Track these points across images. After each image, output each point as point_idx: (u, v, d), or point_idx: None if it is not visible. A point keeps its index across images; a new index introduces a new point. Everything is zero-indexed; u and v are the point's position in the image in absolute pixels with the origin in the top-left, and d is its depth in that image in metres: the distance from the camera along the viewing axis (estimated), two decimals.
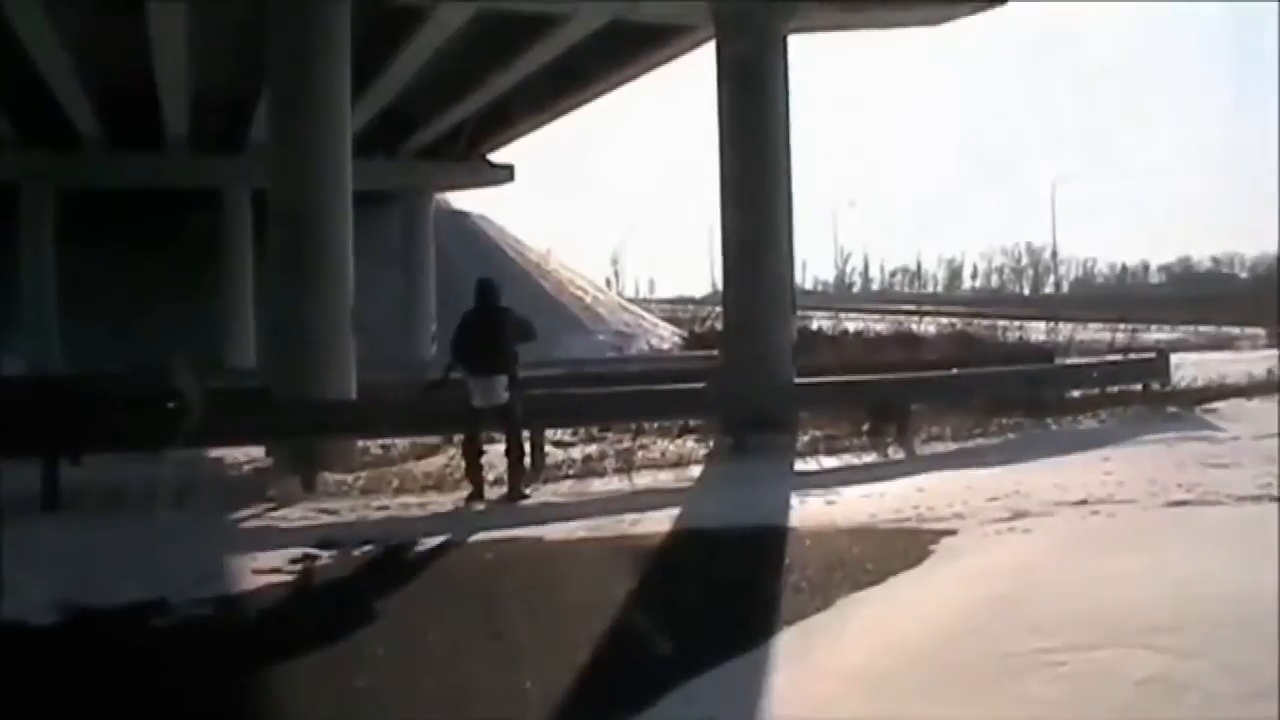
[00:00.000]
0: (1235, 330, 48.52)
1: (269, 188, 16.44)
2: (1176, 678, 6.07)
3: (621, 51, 21.62)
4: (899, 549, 9.64)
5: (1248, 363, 26.96)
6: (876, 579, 8.65)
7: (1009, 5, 17.55)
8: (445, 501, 12.75)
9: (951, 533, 10.22)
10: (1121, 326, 41.61)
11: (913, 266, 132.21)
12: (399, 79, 23.73)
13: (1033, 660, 6.46)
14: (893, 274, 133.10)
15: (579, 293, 45.04)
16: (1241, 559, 8.80)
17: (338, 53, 15.58)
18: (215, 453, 15.22)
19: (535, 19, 19.60)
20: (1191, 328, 50.47)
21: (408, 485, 13.59)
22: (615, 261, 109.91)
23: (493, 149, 34.79)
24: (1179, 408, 19.33)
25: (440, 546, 10.53)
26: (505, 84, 24.72)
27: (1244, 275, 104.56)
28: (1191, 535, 9.86)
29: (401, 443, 15.76)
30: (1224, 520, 10.50)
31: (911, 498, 12.01)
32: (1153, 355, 23.09)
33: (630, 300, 62.05)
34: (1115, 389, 20.55)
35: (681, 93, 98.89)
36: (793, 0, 16.91)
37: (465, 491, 12.84)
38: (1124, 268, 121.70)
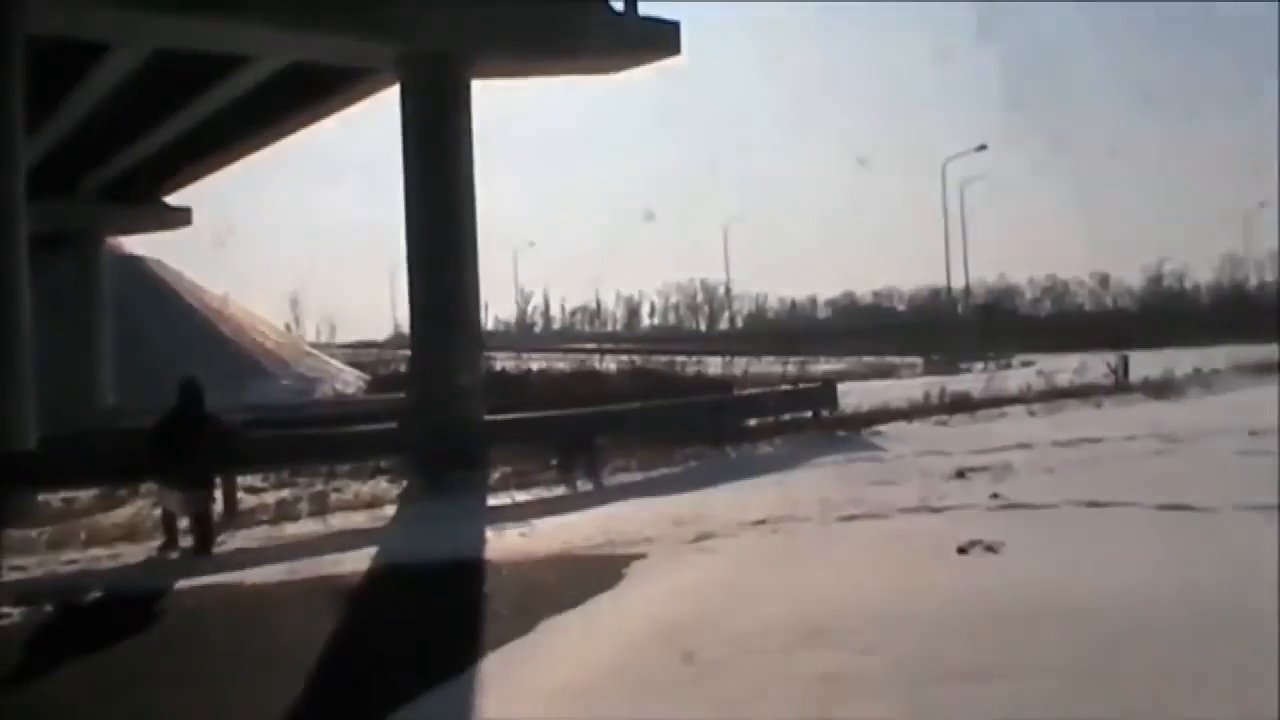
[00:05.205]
0: (896, 359, 51.38)
1: None
2: (854, 671, 6.66)
3: (306, 93, 21.41)
4: (594, 574, 10.01)
5: (907, 388, 28.80)
6: (574, 602, 8.97)
7: (685, 54, 18.31)
8: (138, 552, 12.36)
9: (642, 556, 10.67)
10: (792, 358, 43.56)
11: (593, 305, 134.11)
12: (72, 117, 22.76)
13: (725, 665, 6.94)
14: (573, 313, 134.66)
15: (260, 337, 44.09)
16: (905, 563, 9.66)
17: (6, 83, 14.96)
18: None
19: (217, 59, 19.28)
20: (856, 358, 53.08)
21: (97, 537, 13.01)
22: (295, 305, 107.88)
23: (170, 191, 33.77)
24: (847, 432, 20.56)
25: (136, 597, 10.21)
26: (185, 124, 24.09)
27: (902, 308, 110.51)
28: (862, 545, 10.64)
29: (85, 494, 15.04)
30: (890, 530, 11.34)
31: (602, 525, 12.45)
32: (821, 384, 24.39)
33: (312, 345, 61.11)
34: (788, 417, 21.62)
35: (364, 134, 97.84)
36: (474, 49, 17.24)
37: (158, 542, 12.50)
38: (793, 302, 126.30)
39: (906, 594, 8.34)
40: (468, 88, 17.49)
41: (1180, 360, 31.54)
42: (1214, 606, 7.48)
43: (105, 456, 14.04)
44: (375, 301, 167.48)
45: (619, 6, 17.98)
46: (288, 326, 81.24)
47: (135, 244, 41.79)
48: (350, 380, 42.07)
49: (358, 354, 61.41)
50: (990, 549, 9.64)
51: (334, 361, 47.69)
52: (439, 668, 7.39)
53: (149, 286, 41.62)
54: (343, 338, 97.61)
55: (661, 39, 18.38)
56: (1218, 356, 33.39)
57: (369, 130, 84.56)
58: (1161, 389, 26.82)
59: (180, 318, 40.27)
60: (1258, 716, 5.57)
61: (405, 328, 18.27)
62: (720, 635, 7.57)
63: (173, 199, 34.53)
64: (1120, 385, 28.14)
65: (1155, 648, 6.74)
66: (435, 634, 8.54)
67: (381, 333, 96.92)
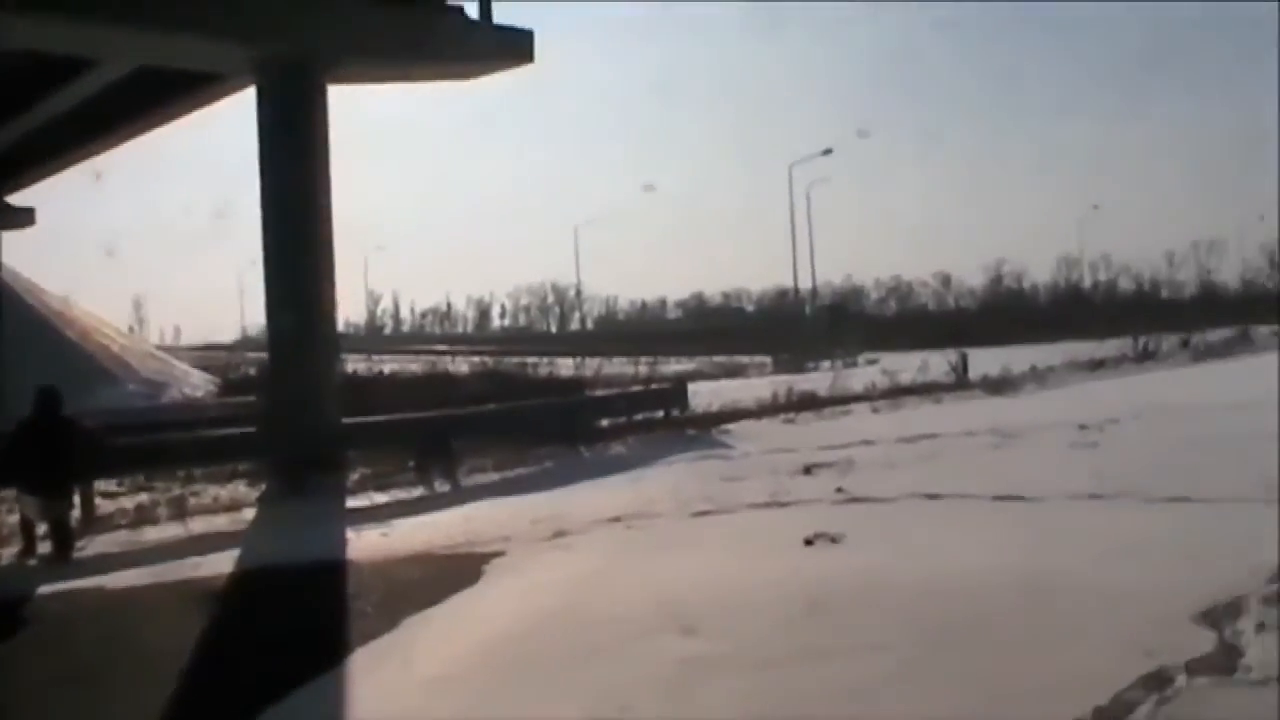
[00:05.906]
0: (745, 359, 52.12)
1: None
2: (710, 655, 7.09)
3: (158, 94, 21.16)
4: (454, 571, 10.27)
5: (756, 388, 29.46)
6: (437, 599, 9.22)
7: (539, 60, 18.61)
8: None
9: (501, 554, 10.95)
10: (643, 359, 44.01)
11: (443, 307, 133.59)
12: None
13: (586, 653, 7.30)
14: (423, 315, 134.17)
15: (105, 341, 43.04)
16: (755, 554, 10.13)
17: None
18: None
19: (64, 60, 19.01)
20: (706, 358, 53.68)
21: None
22: (139, 307, 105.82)
23: (11, 191, 33.03)
24: (697, 431, 20.96)
25: None
26: (29, 125, 23.66)
27: (751, 309, 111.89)
28: (714, 539, 11.08)
29: None
30: (740, 524, 11.80)
31: (461, 525, 12.72)
32: (671, 384, 24.85)
33: (158, 348, 59.96)
34: (640, 416, 22.03)
35: (212, 133, 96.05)
36: (331, 54, 17.28)
37: (15, 549, 12.37)
38: (644, 304, 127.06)
39: (757, 583, 8.79)
40: (324, 92, 17.50)
41: (1018, 358, 32.56)
42: (1040, 586, 8.08)
43: None
44: (221, 303, 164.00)
45: (475, 15, 18.19)
46: (131, 329, 79.72)
47: None
48: (199, 384, 41.35)
49: (206, 357, 60.43)
50: (834, 540, 10.18)
51: (181, 365, 46.86)
52: (308, 665, 7.56)
53: None
54: (188, 340, 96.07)
55: (516, 47, 18.66)
56: (1054, 353, 34.61)
57: (218, 129, 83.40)
58: (999, 385, 27.73)
59: (20, 320, 39.16)
60: (1080, 687, 6.08)
61: (253, 331, 18.08)
62: (579, 625, 7.93)
63: (15, 199, 33.81)
64: (960, 382, 29.03)
65: (985, 625, 7.29)
66: (302, 633, 8.74)
67: (229, 336, 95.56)
